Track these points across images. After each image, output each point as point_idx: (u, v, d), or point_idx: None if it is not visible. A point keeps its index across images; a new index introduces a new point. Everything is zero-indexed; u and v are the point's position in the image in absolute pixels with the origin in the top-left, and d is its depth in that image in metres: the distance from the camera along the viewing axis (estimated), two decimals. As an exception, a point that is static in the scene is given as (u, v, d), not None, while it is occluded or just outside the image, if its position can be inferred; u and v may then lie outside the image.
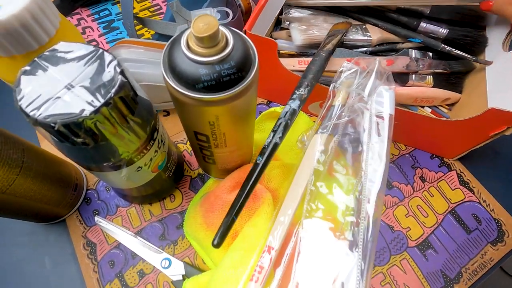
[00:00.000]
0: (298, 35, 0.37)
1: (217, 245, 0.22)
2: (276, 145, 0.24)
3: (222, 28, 0.19)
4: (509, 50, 0.34)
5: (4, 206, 0.24)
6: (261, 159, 0.23)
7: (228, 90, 0.19)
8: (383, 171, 0.25)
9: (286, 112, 0.24)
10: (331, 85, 0.30)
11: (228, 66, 0.18)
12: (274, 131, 0.24)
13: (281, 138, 0.24)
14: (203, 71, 0.18)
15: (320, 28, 0.38)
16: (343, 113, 0.28)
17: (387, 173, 0.26)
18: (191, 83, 0.18)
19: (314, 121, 0.39)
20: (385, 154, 0.26)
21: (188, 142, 0.37)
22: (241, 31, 0.30)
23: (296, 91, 0.26)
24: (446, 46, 0.36)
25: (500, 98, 0.32)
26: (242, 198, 0.22)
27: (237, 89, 0.19)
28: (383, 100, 0.28)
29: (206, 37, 0.17)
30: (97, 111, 0.17)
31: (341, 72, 0.30)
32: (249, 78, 0.19)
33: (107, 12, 0.46)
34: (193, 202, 0.33)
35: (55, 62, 0.18)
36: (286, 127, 0.24)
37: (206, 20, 0.17)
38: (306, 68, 0.29)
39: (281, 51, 0.39)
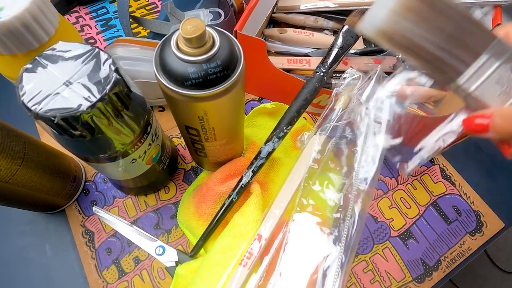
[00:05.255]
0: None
1: (192, 256, 0.31)
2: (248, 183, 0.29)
3: (209, 29, 0.20)
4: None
5: (7, 196, 0.26)
6: (236, 197, 0.29)
7: (214, 87, 0.20)
8: (374, 173, 0.27)
9: (269, 152, 0.28)
10: (334, 89, 0.31)
11: (215, 65, 0.20)
12: (254, 171, 0.28)
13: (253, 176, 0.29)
14: (191, 70, 0.19)
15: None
16: (343, 116, 0.30)
17: (378, 175, 0.27)
18: (180, 80, 0.20)
19: (304, 117, 0.40)
20: (378, 158, 0.27)
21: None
22: (233, 30, 0.32)
23: (275, 132, 0.29)
24: None
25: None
26: (212, 226, 0.29)
27: (223, 86, 0.20)
28: (382, 106, 0.30)
29: (194, 38, 0.19)
30: (93, 106, 0.19)
31: (344, 78, 0.32)
32: (235, 76, 0.21)
33: (104, 10, 0.47)
34: (186, 193, 0.34)
35: (54, 61, 0.20)
36: (262, 166, 0.29)
37: (193, 22, 0.19)
38: (296, 96, 0.30)
39: (272, 50, 0.40)
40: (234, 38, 0.22)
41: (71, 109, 0.18)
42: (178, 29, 0.20)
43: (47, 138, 0.36)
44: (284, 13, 0.41)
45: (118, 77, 0.20)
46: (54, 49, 0.21)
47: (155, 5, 0.48)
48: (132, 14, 0.46)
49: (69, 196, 0.33)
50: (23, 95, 0.19)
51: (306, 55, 0.40)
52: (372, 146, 0.28)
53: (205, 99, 0.21)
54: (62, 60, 0.20)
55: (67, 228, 0.33)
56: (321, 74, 0.31)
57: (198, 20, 0.19)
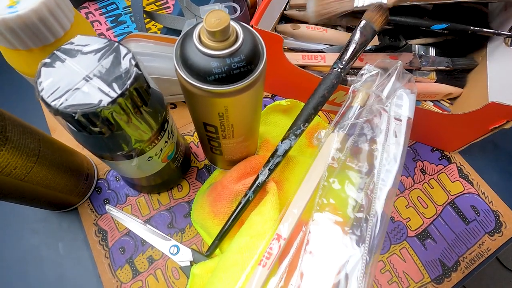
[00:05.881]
0: (312, 3, 0.37)
1: (207, 256, 0.30)
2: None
3: (232, 23, 0.20)
4: (510, 45, 0.35)
5: (23, 193, 0.26)
6: (253, 196, 0.28)
7: (237, 82, 0.20)
8: (396, 172, 0.26)
9: (286, 150, 0.28)
10: (352, 86, 0.30)
11: (238, 59, 0.19)
12: (270, 169, 0.28)
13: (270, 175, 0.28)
14: (214, 64, 0.19)
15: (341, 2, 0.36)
16: (362, 114, 0.29)
17: (400, 174, 0.26)
18: (202, 75, 0.19)
19: (318, 115, 0.40)
20: (400, 156, 0.27)
21: (195, 134, 0.38)
22: (249, 25, 0.31)
23: (292, 129, 0.28)
24: (475, 28, 0.35)
25: (500, 92, 0.33)
26: (228, 225, 0.28)
27: (246, 81, 0.20)
28: (402, 103, 0.29)
29: (218, 31, 0.18)
30: (114, 101, 0.18)
31: (362, 74, 0.31)
32: (258, 71, 0.20)
33: (114, 6, 0.46)
34: (200, 192, 0.34)
35: (73, 55, 0.19)
36: (278, 164, 0.28)
37: (218, 15, 0.18)
38: (313, 93, 0.29)
39: (285, 46, 0.39)
40: (256, 32, 0.21)
41: (91, 104, 0.18)
42: (200, 22, 0.19)
43: (59, 135, 0.36)
44: (297, 10, 0.41)
45: (138, 72, 0.19)
46: (72, 43, 0.20)
47: (165, 1, 0.47)
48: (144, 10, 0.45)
49: (82, 194, 0.32)
50: (41, 90, 0.18)
51: (320, 51, 0.39)
52: (393, 144, 0.27)
53: (227, 95, 0.20)
54: (81, 54, 0.19)
55: (80, 227, 0.32)
56: (339, 70, 0.30)
57: (223, 13, 0.18)
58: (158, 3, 0.47)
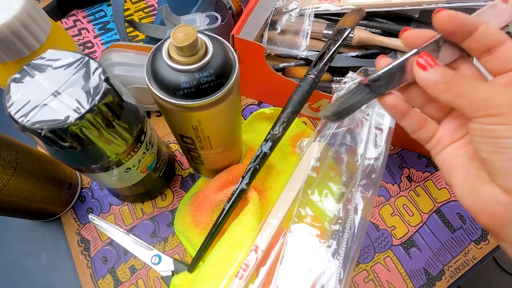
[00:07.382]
0: None
1: (190, 271, 0.29)
2: (242, 191, 0.27)
3: (202, 37, 0.20)
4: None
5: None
6: (227, 205, 0.27)
7: (207, 96, 0.20)
8: (375, 181, 0.26)
9: (257, 157, 0.26)
10: (335, 94, 0.30)
11: (207, 73, 0.19)
12: (243, 176, 0.27)
13: (248, 183, 0.27)
14: (183, 79, 0.19)
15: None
16: (344, 123, 0.29)
17: (379, 183, 0.26)
18: (172, 90, 0.19)
19: (304, 122, 0.40)
20: (380, 166, 0.27)
21: (180, 142, 0.38)
22: (230, 34, 0.31)
23: (271, 130, 0.27)
24: None
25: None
26: (209, 239, 0.28)
27: (216, 95, 0.20)
28: (384, 112, 0.29)
29: (185, 46, 0.18)
30: (82, 117, 0.18)
31: (345, 82, 0.30)
32: (229, 85, 0.20)
33: (102, 13, 0.46)
34: (183, 201, 0.34)
35: (43, 70, 0.19)
36: (255, 172, 0.27)
37: (185, 30, 0.18)
38: (289, 98, 0.28)
39: (271, 53, 0.39)
40: (229, 45, 0.21)
41: (58, 121, 0.18)
42: (169, 37, 0.19)
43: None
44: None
45: (108, 86, 0.19)
46: (43, 57, 0.20)
47: (153, 7, 0.47)
48: (130, 17, 0.45)
49: (65, 203, 0.32)
50: (10, 106, 0.18)
51: (306, 58, 0.39)
52: (373, 154, 0.27)
53: (198, 109, 0.20)
54: (51, 69, 0.19)
55: (63, 236, 0.32)
56: (313, 76, 0.29)
57: (190, 28, 0.18)
58: (146, 10, 0.47)
